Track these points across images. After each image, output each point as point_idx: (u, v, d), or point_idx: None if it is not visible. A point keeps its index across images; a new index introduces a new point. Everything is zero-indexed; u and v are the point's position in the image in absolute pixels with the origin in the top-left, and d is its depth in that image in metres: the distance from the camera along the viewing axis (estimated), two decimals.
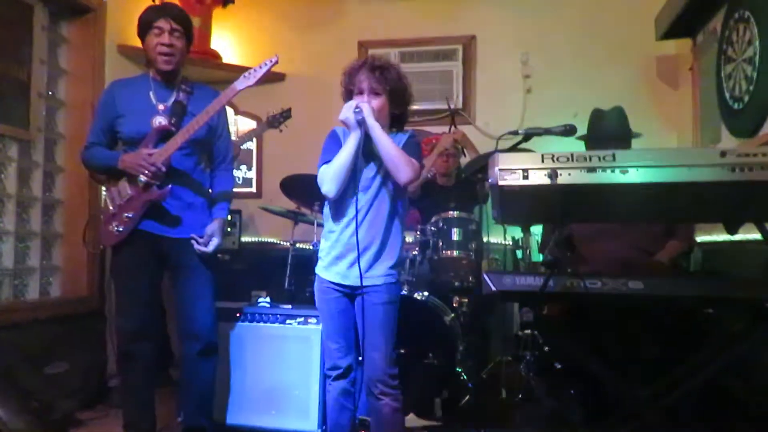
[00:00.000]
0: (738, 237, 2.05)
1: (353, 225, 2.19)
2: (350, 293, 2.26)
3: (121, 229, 2.54)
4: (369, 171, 2.24)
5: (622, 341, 2.42)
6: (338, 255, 2.25)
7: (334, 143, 2.27)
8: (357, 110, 2.14)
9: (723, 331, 2.44)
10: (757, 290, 1.94)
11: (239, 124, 4.61)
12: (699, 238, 3.03)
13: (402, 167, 2.14)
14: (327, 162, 2.23)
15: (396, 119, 2.33)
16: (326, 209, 2.35)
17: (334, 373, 2.28)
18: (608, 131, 3.02)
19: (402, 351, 2.82)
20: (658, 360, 2.36)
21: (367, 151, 2.21)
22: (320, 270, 2.32)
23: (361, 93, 2.22)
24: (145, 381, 2.65)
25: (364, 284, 2.19)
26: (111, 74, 3.62)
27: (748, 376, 2.48)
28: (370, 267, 2.21)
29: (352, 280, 2.21)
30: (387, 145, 2.15)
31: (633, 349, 2.42)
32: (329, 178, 2.19)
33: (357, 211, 2.18)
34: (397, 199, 2.27)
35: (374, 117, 2.16)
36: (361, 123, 2.14)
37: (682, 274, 2.77)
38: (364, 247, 2.20)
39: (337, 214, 2.27)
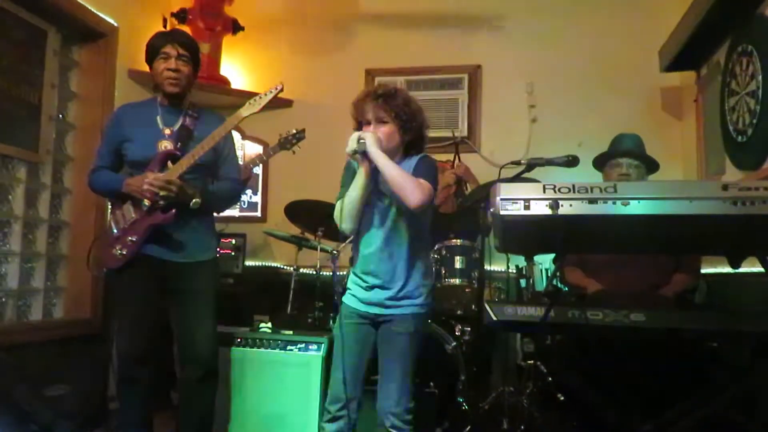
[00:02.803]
0: (742, 270, 2.03)
1: (375, 255, 2.19)
2: (374, 321, 2.22)
3: (124, 252, 2.54)
4: (384, 200, 2.22)
5: (626, 374, 2.39)
6: (362, 283, 2.23)
7: (349, 175, 2.26)
8: (360, 141, 2.11)
9: (727, 365, 2.41)
10: (761, 324, 1.92)
11: (246, 149, 4.64)
12: (703, 270, 3.01)
13: (410, 191, 2.08)
14: (342, 197, 2.23)
15: (411, 145, 2.27)
16: (353, 239, 2.33)
17: (333, 408, 2.19)
18: (625, 148, 3.06)
19: None
20: (661, 393, 2.33)
21: (381, 181, 2.20)
22: (346, 297, 2.29)
23: (369, 123, 2.21)
24: (144, 405, 2.63)
25: (390, 313, 2.17)
26: (121, 99, 3.66)
27: (752, 410, 2.44)
28: (396, 296, 2.18)
29: (376, 309, 2.19)
30: (392, 171, 2.10)
31: (636, 382, 2.39)
32: (343, 216, 2.20)
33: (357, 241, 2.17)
34: (417, 225, 2.23)
35: (380, 146, 2.13)
36: (364, 155, 2.12)
37: (685, 307, 2.74)
38: (388, 277, 2.18)
39: (360, 245, 2.26)
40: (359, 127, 2.25)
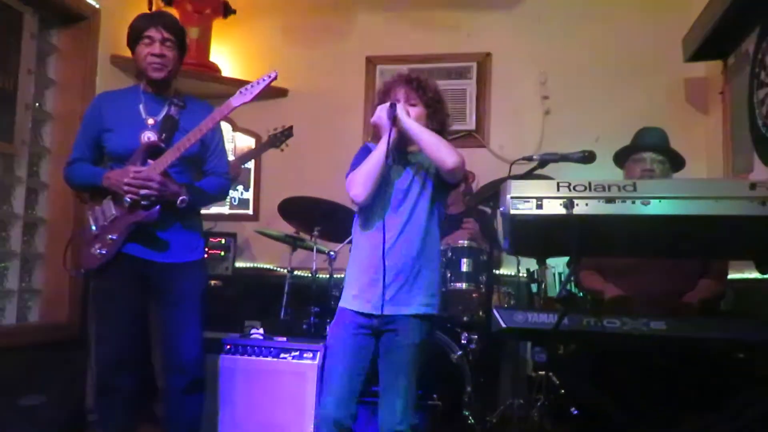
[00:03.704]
0: None
1: (389, 241, 2.15)
2: (376, 330, 2.18)
3: (104, 252, 2.53)
4: (403, 181, 2.22)
5: (645, 387, 2.37)
6: (369, 281, 2.16)
7: (364, 154, 2.26)
8: (391, 107, 2.16)
9: (755, 377, 2.40)
10: None
11: (237, 141, 4.63)
12: (730, 276, 3.00)
13: (445, 152, 2.12)
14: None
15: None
16: (355, 228, 2.31)
17: (324, 429, 2.14)
18: (649, 141, 3.06)
19: None
20: (683, 407, 2.31)
21: (400, 161, 2.23)
22: (346, 301, 2.24)
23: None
24: (124, 417, 2.61)
25: (397, 314, 2.14)
26: (102, 86, 3.65)
27: None
28: (405, 295, 2.15)
29: (385, 308, 2.13)
30: (425, 134, 2.16)
31: (656, 395, 2.38)
32: (358, 180, 2.17)
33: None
34: (434, 214, 2.24)
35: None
36: (394, 120, 2.14)
37: (710, 315, 2.73)
38: (398, 272, 2.15)
39: (367, 233, 2.22)
40: None
